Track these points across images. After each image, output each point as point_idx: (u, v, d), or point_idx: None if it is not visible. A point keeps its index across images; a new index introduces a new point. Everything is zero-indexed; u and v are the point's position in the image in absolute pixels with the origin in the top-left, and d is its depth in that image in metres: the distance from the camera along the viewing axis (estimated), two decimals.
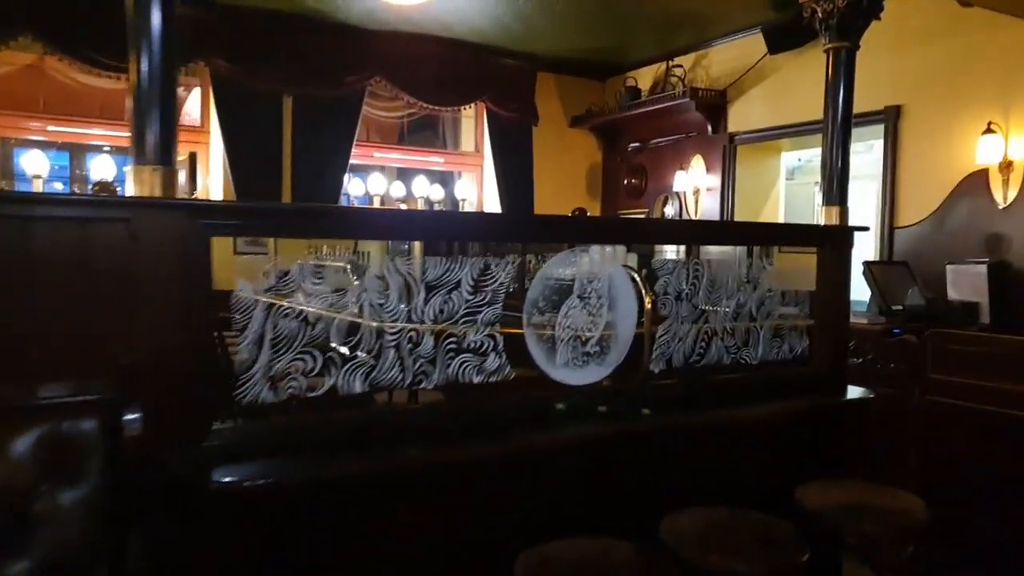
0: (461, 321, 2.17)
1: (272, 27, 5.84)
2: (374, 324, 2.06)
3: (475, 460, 2.15)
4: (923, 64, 4.89)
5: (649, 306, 2.90)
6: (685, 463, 2.46)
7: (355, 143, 6.42)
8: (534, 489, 2.24)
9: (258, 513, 1.85)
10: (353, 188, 6.52)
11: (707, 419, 2.56)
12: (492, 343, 2.22)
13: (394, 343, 2.07)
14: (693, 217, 6.61)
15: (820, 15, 2.95)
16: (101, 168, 5.41)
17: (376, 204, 6.52)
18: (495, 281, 2.22)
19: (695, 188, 6.61)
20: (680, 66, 6.58)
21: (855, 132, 5.56)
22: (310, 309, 2.01)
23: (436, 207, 6.89)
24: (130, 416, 1.64)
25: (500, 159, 7.12)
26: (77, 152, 6.47)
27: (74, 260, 1.67)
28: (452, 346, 2.16)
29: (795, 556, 2.14)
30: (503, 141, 7.10)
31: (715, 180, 6.42)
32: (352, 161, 7.02)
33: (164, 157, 1.76)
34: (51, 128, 5.67)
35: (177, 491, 1.72)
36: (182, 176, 6.29)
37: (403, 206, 6.89)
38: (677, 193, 6.74)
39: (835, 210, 2.91)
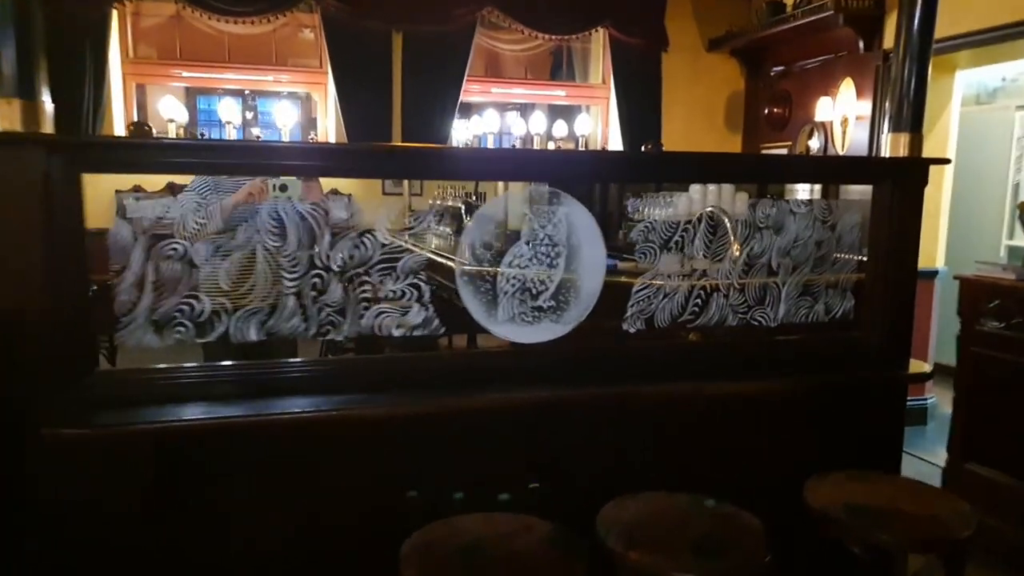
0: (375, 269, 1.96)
1: None
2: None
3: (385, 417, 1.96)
4: None
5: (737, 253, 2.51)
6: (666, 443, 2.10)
7: (466, 79, 6.23)
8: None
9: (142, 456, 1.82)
10: (481, 126, 6.38)
11: (695, 391, 2.15)
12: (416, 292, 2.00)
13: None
14: (840, 152, 5.72)
15: None
16: (227, 110, 5.78)
17: (490, 143, 6.37)
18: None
19: (843, 117, 5.69)
20: None
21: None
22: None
23: (553, 145, 6.60)
24: None
25: (624, 91, 6.60)
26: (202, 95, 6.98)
27: None
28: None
29: (743, 562, 1.75)
30: (627, 71, 6.56)
31: (865, 108, 5.47)
32: (474, 99, 6.90)
33: (24, 88, 1.70)
34: (186, 74, 6.08)
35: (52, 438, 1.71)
36: (299, 114, 6.53)
37: (517, 143, 6.66)
38: (822, 124, 5.86)
39: (903, 138, 2.27)
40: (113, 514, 1.82)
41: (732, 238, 2.39)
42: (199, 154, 1.88)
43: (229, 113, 5.68)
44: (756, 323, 2.25)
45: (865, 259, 2.35)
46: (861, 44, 5.44)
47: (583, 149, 5.93)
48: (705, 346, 2.27)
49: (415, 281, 1.94)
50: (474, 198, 5.75)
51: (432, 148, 3.40)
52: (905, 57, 2.33)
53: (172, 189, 5.03)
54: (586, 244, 2.11)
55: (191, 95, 9.14)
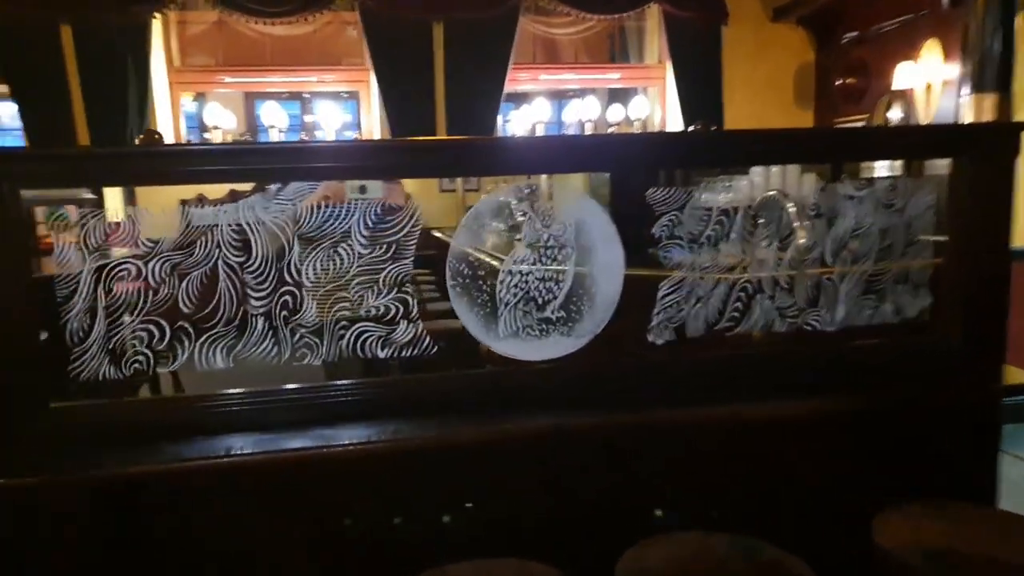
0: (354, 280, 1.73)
1: None
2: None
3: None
4: None
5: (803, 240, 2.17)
6: (699, 475, 1.79)
7: (513, 67, 5.96)
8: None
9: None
10: (532, 115, 6.10)
11: (737, 414, 1.83)
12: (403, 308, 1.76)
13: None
14: (924, 123, 5.16)
15: None
16: (270, 114, 5.71)
17: (540, 132, 6.08)
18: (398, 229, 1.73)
19: (927, 83, 5.13)
20: None
21: None
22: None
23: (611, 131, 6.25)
24: None
25: (681, 70, 6.18)
26: (260, 99, 6.94)
27: None
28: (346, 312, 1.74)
29: None
30: (684, 48, 6.14)
31: (953, 71, 4.90)
32: (528, 87, 6.65)
33: None
34: (229, 79, 6.05)
35: None
36: (352, 114, 6.40)
37: (570, 131, 6.34)
38: (903, 92, 5.30)
39: (987, 100, 1.86)
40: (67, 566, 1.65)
41: (795, 225, 2.05)
42: (159, 162, 1.69)
43: (273, 117, 5.60)
44: (809, 328, 1.91)
45: (943, 247, 1.96)
46: None
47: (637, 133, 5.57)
48: (749, 358, 1.93)
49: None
50: (526, 190, 5.50)
51: (449, 141, 3.16)
52: (987, 3, 1.92)
53: (234, 196, 4.92)
54: (600, 245, 1.82)
55: (250, 100, 9.20)
